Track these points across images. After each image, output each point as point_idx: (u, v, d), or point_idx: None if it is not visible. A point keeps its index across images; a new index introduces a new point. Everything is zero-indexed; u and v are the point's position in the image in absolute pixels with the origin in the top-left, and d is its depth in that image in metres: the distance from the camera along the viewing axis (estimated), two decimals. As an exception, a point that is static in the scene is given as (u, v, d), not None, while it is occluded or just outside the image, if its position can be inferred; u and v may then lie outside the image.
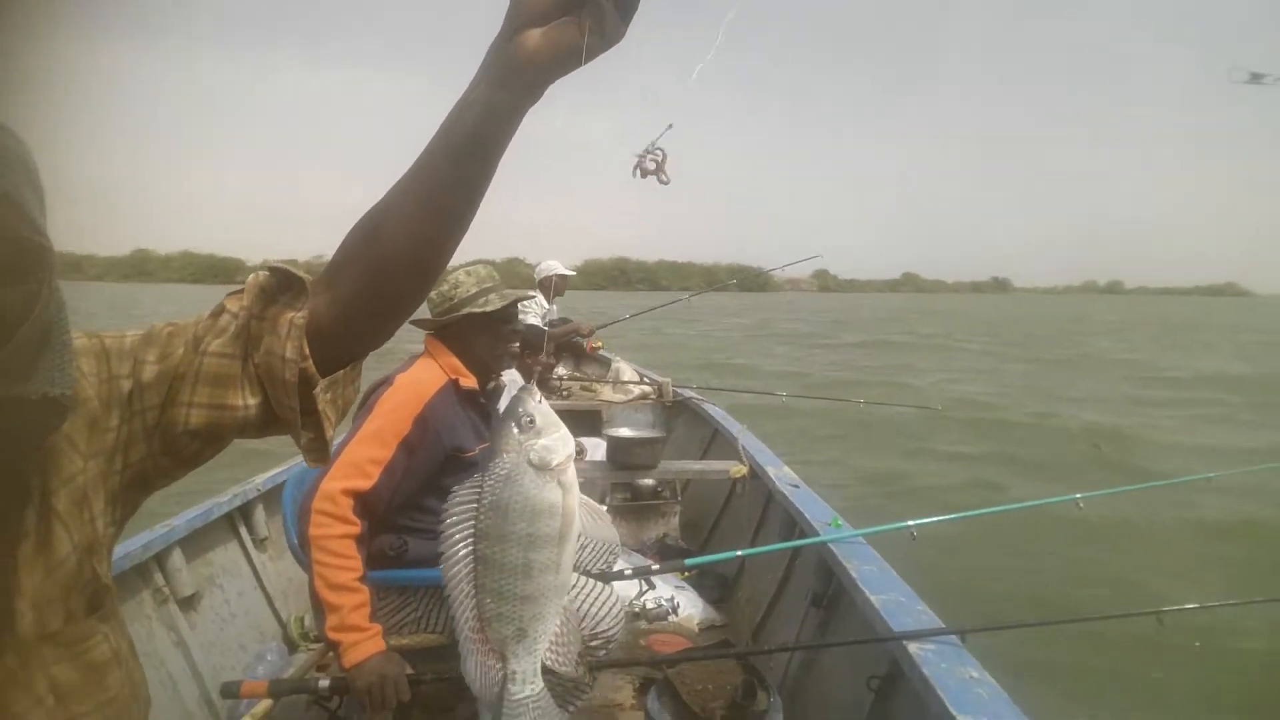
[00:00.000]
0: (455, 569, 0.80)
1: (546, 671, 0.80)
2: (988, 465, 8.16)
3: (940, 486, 7.17)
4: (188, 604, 2.47)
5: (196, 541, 2.60)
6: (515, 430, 0.79)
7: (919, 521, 2.61)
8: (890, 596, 2.04)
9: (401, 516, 1.95)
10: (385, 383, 1.97)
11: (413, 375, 2.00)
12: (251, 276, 0.75)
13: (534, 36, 0.64)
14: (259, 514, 2.97)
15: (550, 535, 0.78)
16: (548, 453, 0.78)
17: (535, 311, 5.73)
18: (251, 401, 0.73)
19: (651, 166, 0.84)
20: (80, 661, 0.67)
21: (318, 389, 0.73)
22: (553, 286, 5.94)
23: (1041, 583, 4.95)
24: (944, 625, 1.86)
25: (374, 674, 1.66)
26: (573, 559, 0.82)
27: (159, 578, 2.38)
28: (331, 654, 1.78)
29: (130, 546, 2.25)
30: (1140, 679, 3.75)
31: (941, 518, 2.73)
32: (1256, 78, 2.41)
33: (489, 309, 2.07)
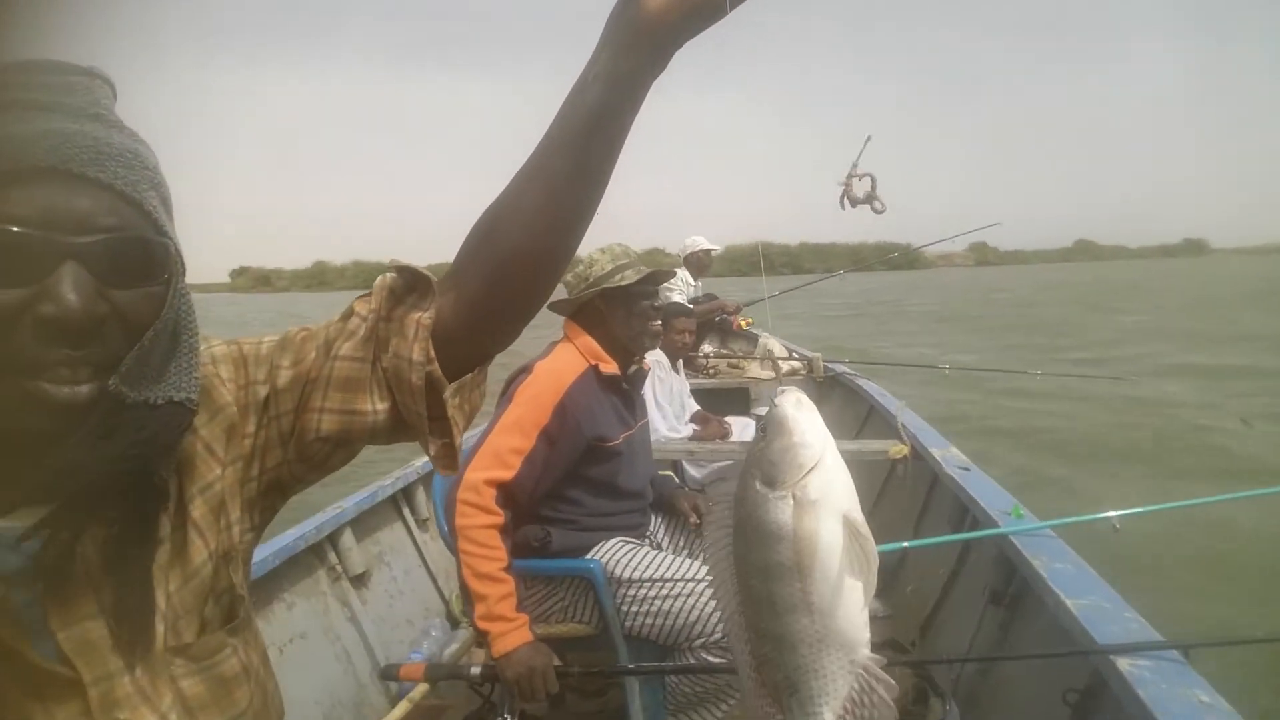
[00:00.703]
0: (722, 599, 0.72)
1: None
2: (1206, 443, 7.00)
3: (1146, 470, 6.25)
4: (359, 581, 2.63)
5: (364, 522, 2.76)
6: (753, 442, 0.70)
7: (1124, 512, 2.25)
8: (1090, 600, 1.76)
9: (545, 507, 1.93)
10: (525, 371, 1.95)
11: (551, 363, 1.97)
12: (380, 278, 0.72)
13: (659, 1, 0.59)
14: (420, 495, 3.12)
15: (783, 565, 0.66)
16: (772, 466, 0.67)
17: (680, 289, 5.66)
18: (380, 406, 0.71)
19: (861, 195, 0.74)
20: (209, 675, 0.66)
21: (446, 393, 0.70)
22: (698, 262, 5.84)
23: None
24: (1161, 638, 1.57)
25: (522, 665, 1.64)
26: (843, 599, 0.66)
27: (332, 556, 2.55)
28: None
29: (305, 528, 2.41)
30: None
31: (1153, 507, 2.34)
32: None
33: (625, 283, 2.00)
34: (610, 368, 2.00)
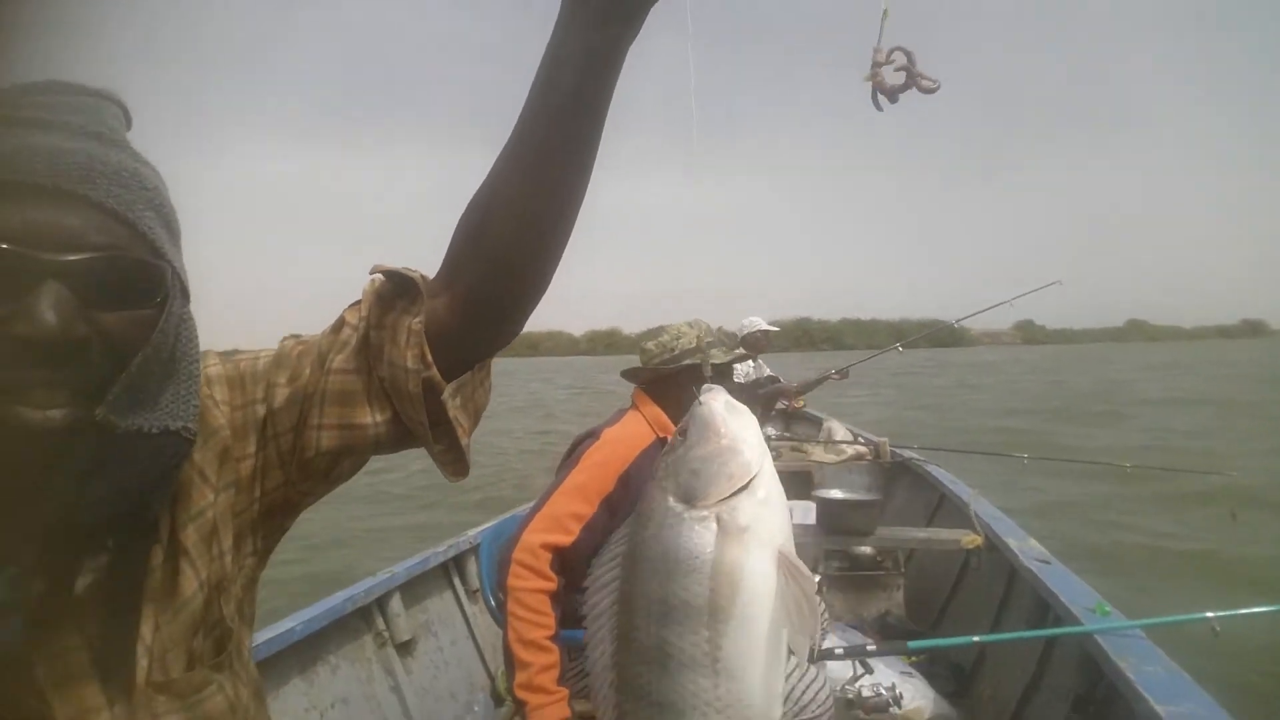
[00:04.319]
0: (596, 647, 0.54)
1: None
2: None
3: (1246, 569, 5.69)
4: (404, 649, 2.59)
5: (414, 589, 2.75)
6: (667, 450, 0.55)
7: (1224, 614, 2.05)
8: (1185, 708, 1.58)
9: None
10: (591, 436, 1.95)
11: (619, 431, 1.96)
12: (368, 283, 0.70)
13: None
14: (471, 565, 3.10)
15: (693, 605, 0.49)
16: (693, 476, 0.52)
17: (740, 372, 5.61)
18: (380, 417, 0.69)
19: (900, 79, 0.56)
20: (193, 714, 0.62)
21: (445, 395, 0.67)
22: (755, 343, 5.80)
23: None
24: None
25: None
26: (759, 658, 0.49)
27: (380, 621, 2.53)
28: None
29: (354, 591, 2.42)
30: None
31: (1258, 609, 2.12)
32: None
33: (715, 361, 2.00)
34: None
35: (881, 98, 0.55)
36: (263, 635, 2.03)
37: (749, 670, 0.48)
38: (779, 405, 6.09)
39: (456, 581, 3.02)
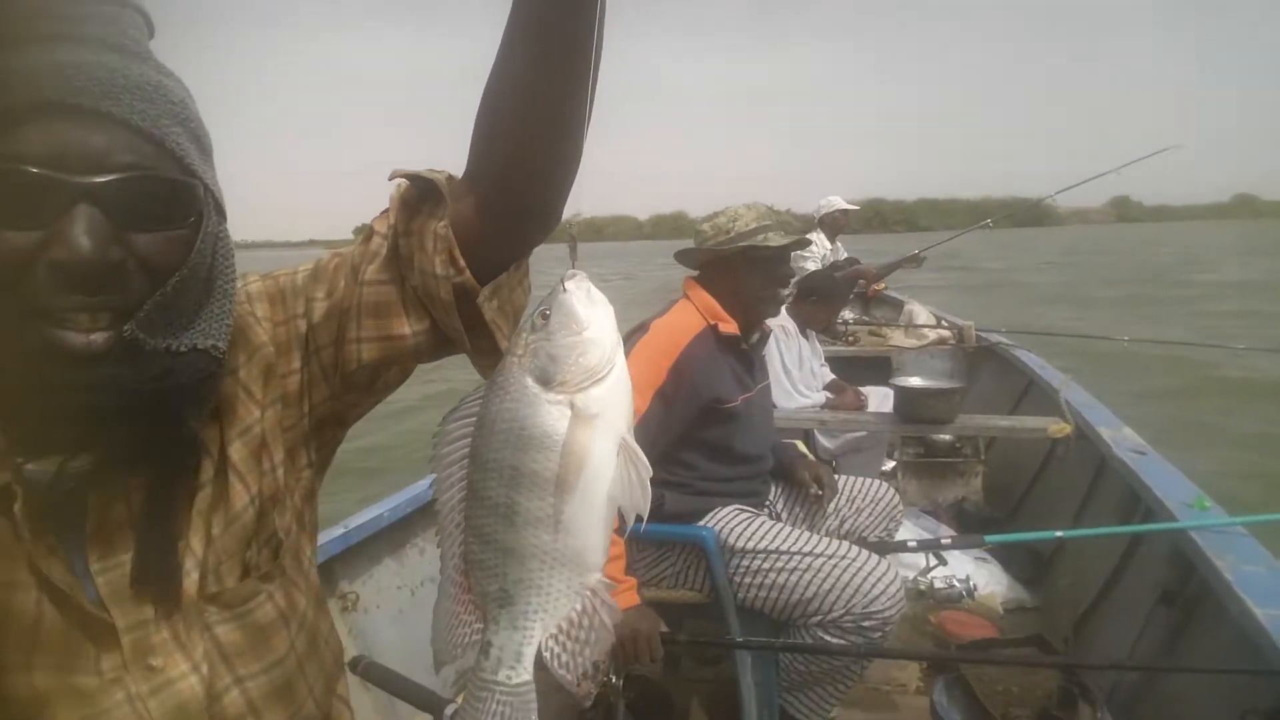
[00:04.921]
0: (446, 493, 0.62)
1: (539, 667, 0.59)
2: None
3: None
4: None
5: None
6: (526, 327, 0.60)
7: (1340, 511, 1.90)
8: None
9: (659, 469, 1.88)
10: (640, 329, 1.91)
11: (668, 321, 1.92)
12: (393, 189, 0.67)
13: None
14: None
15: (542, 476, 0.57)
16: (552, 362, 0.57)
17: (816, 255, 5.39)
18: (419, 326, 0.68)
19: None
20: (244, 622, 0.65)
21: (481, 299, 0.65)
22: (834, 223, 5.54)
23: None
24: None
25: (627, 628, 1.62)
26: (595, 522, 0.58)
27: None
28: None
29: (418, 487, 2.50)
30: None
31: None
32: None
33: (771, 244, 1.92)
34: (730, 328, 1.92)
35: None
36: (355, 520, 2.17)
37: (585, 530, 0.59)
38: (857, 289, 5.87)
39: None
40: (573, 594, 0.60)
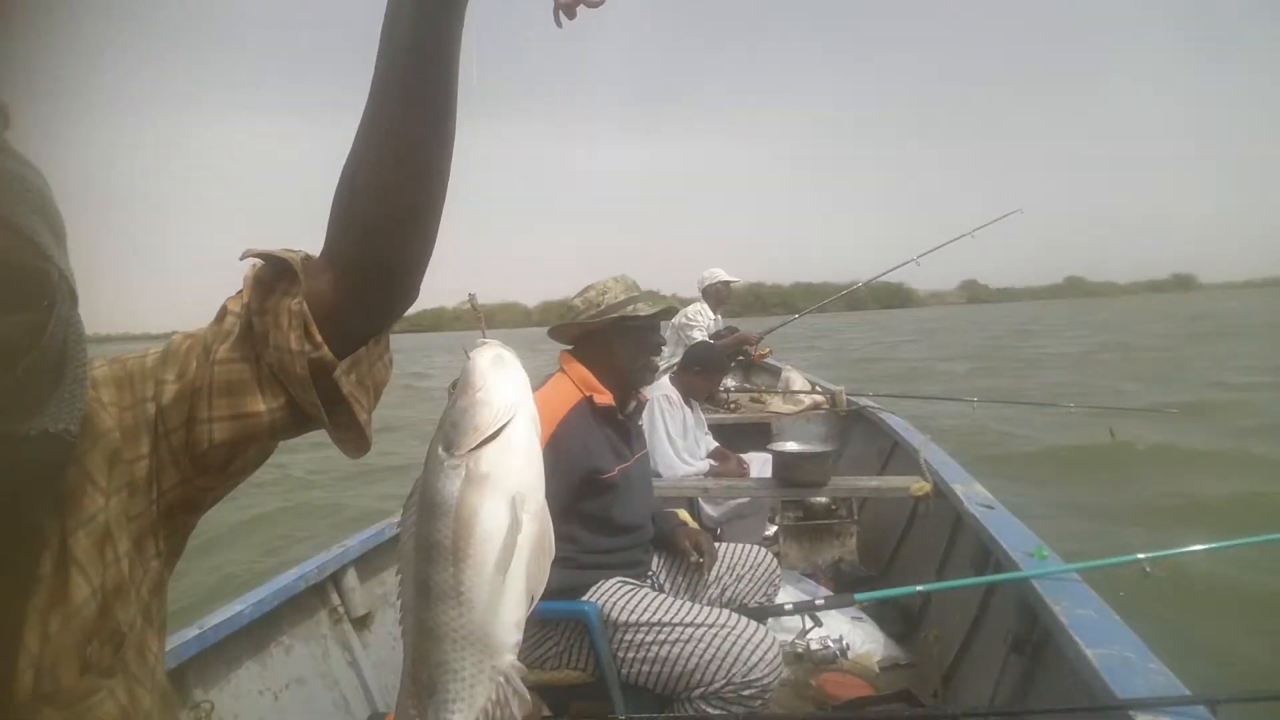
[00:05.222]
0: (402, 582, 0.62)
1: None
2: (1250, 480, 6.66)
3: (1184, 510, 5.93)
4: (361, 624, 2.57)
5: (370, 561, 2.71)
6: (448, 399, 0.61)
7: (1155, 554, 2.12)
8: (1113, 650, 1.64)
9: None
10: None
11: (544, 395, 1.94)
12: (247, 269, 0.68)
13: None
14: None
15: (443, 544, 0.56)
16: (453, 428, 0.58)
17: (700, 324, 5.59)
18: (274, 404, 0.68)
19: None
20: None
21: (337, 373, 0.66)
22: (716, 294, 5.78)
23: None
24: (1187, 692, 1.45)
25: None
26: (494, 592, 0.56)
27: (334, 597, 2.50)
28: None
29: (306, 568, 2.38)
30: None
31: (1187, 549, 2.21)
32: None
33: (641, 314, 1.98)
34: (605, 398, 1.97)
35: (561, 13, 0.62)
36: (211, 620, 2.00)
37: (486, 602, 0.56)
38: (740, 356, 6.11)
39: None
40: (486, 679, 0.57)
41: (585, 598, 1.87)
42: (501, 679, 0.58)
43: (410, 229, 0.65)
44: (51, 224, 0.59)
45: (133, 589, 0.67)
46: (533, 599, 0.59)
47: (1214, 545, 2.22)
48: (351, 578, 2.57)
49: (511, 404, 0.59)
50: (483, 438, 0.57)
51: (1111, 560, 2.12)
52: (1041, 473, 7.14)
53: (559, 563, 1.90)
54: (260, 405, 0.67)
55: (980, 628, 2.46)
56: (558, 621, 1.89)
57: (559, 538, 1.91)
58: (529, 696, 0.59)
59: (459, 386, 0.59)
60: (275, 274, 0.67)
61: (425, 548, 0.57)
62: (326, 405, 0.67)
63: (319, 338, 0.65)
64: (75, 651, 0.61)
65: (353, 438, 0.70)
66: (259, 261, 0.68)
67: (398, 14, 0.60)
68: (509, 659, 0.59)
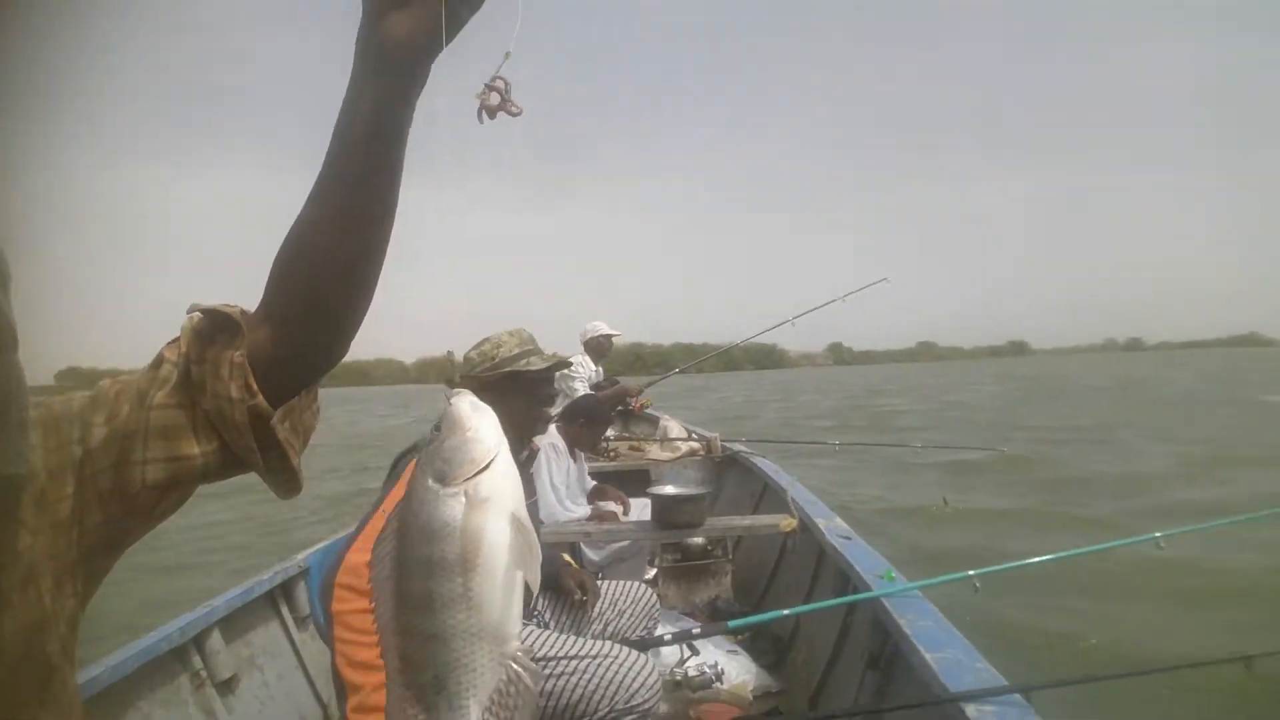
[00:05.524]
0: (381, 605, 0.69)
1: None
2: (1055, 508, 7.68)
3: (1010, 533, 6.75)
4: (225, 687, 2.44)
5: (236, 621, 2.59)
6: (424, 442, 0.71)
7: (981, 571, 2.43)
8: (948, 654, 1.88)
9: None
10: (413, 450, 1.96)
11: None
12: (185, 321, 0.73)
13: (401, 20, 0.62)
14: (300, 591, 2.95)
15: (449, 560, 0.65)
16: (445, 463, 0.68)
17: (582, 376, 5.72)
18: (208, 448, 0.71)
19: (496, 101, 0.70)
20: None
21: (274, 420, 0.71)
22: (598, 347, 5.95)
23: (1120, 632, 4.54)
24: (1006, 683, 1.69)
25: None
26: (502, 593, 0.67)
27: (196, 660, 2.36)
28: None
29: (168, 630, 2.25)
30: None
31: (1006, 566, 2.53)
32: None
33: (533, 369, 2.06)
34: None
35: (484, 113, 0.68)
36: None
37: (496, 603, 0.67)
38: (621, 406, 6.28)
39: (284, 610, 2.85)
40: (496, 665, 0.67)
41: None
42: (510, 662, 0.67)
43: (353, 287, 0.71)
44: (2, 275, 0.61)
45: (53, 626, 0.68)
46: (529, 591, 0.68)
47: (1030, 562, 2.57)
48: (216, 639, 2.44)
49: (496, 440, 0.70)
50: (479, 468, 0.67)
51: (947, 577, 2.40)
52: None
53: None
54: (195, 449, 0.71)
55: (843, 646, 2.68)
56: (444, 663, 1.91)
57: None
58: (538, 669, 0.69)
59: (446, 428, 0.69)
60: (215, 326, 0.71)
61: (425, 565, 0.66)
62: (260, 450, 0.72)
63: (254, 387, 0.70)
64: (9, 682, 0.63)
65: (285, 480, 0.75)
66: (197, 314, 0.72)
67: (354, 107, 0.65)
68: (515, 645, 0.68)
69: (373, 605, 0.70)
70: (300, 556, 2.99)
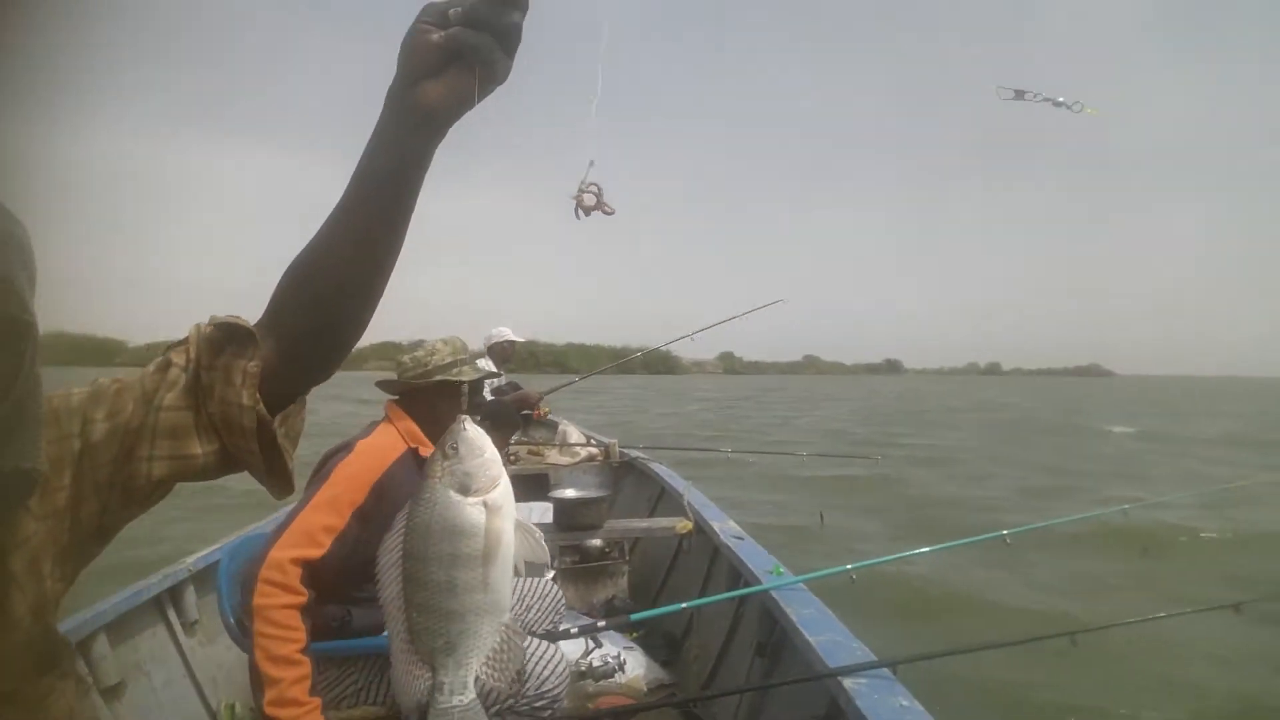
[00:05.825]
0: (388, 588, 0.84)
1: (478, 682, 0.83)
2: (930, 509, 8.48)
3: (891, 530, 7.43)
4: (111, 694, 2.33)
5: (122, 626, 2.48)
6: (440, 457, 0.84)
7: (858, 565, 2.68)
8: (828, 637, 2.10)
9: (351, 586, 1.91)
10: (344, 449, 1.96)
11: (372, 442, 2.00)
12: (193, 329, 0.78)
13: (434, 88, 0.69)
14: (189, 596, 2.84)
15: (473, 554, 0.81)
16: (468, 478, 0.83)
17: (488, 382, 5.70)
18: (209, 449, 0.77)
19: (591, 201, 0.82)
20: (37, 719, 0.67)
21: (275, 426, 0.77)
22: (501, 352, 5.95)
23: (976, 614, 5.44)
24: (876, 659, 1.92)
25: None
26: (508, 578, 0.84)
27: (81, 666, 2.25)
28: None
29: None
30: (1059, 693, 4.13)
31: (878, 560, 2.81)
32: (1020, 94, 2.64)
33: (464, 378, 2.12)
34: (429, 451, 2.08)
35: (580, 211, 0.83)
36: None
37: (503, 586, 0.85)
38: (526, 410, 6.29)
39: (172, 615, 2.74)
40: (495, 632, 0.85)
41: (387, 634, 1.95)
42: (504, 627, 0.86)
43: (358, 310, 0.78)
44: (30, 275, 0.63)
45: (52, 607, 0.72)
46: (519, 574, 0.87)
47: (899, 556, 2.86)
48: (102, 644, 2.34)
49: (500, 462, 0.87)
50: (496, 484, 0.84)
51: (827, 571, 2.64)
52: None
53: (366, 604, 1.98)
54: (198, 449, 0.76)
55: (733, 639, 2.87)
56: (356, 659, 1.94)
57: (369, 580, 2.01)
58: (523, 633, 0.86)
59: (463, 449, 0.84)
60: (226, 336, 0.77)
61: (449, 558, 0.82)
62: (260, 453, 0.78)
63: (257, 395, 0.74)
64: (15, 661, 0.67)
65: (282, 480, 0.81)
66: (210, 325, 0.77)
67: (377, 155, 0.71)
68: (508, 616, 0.86)
69: (380, 571, 0.85)
70: (190, 560, 2.89)
